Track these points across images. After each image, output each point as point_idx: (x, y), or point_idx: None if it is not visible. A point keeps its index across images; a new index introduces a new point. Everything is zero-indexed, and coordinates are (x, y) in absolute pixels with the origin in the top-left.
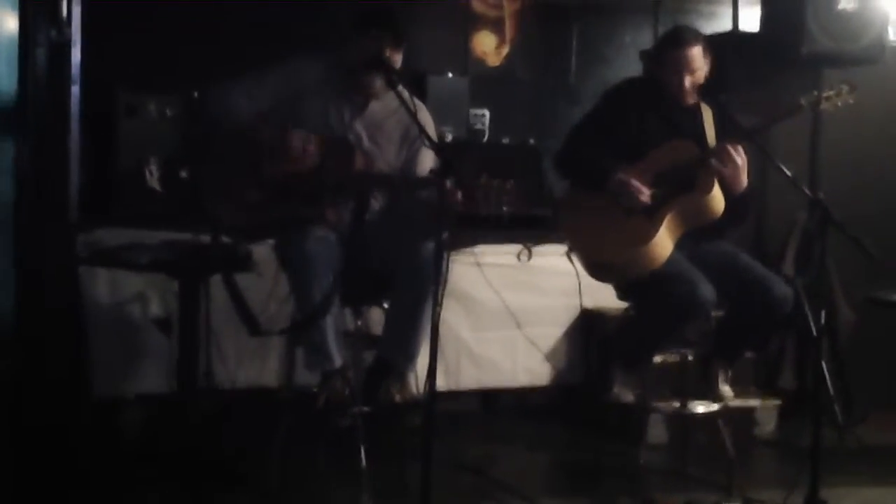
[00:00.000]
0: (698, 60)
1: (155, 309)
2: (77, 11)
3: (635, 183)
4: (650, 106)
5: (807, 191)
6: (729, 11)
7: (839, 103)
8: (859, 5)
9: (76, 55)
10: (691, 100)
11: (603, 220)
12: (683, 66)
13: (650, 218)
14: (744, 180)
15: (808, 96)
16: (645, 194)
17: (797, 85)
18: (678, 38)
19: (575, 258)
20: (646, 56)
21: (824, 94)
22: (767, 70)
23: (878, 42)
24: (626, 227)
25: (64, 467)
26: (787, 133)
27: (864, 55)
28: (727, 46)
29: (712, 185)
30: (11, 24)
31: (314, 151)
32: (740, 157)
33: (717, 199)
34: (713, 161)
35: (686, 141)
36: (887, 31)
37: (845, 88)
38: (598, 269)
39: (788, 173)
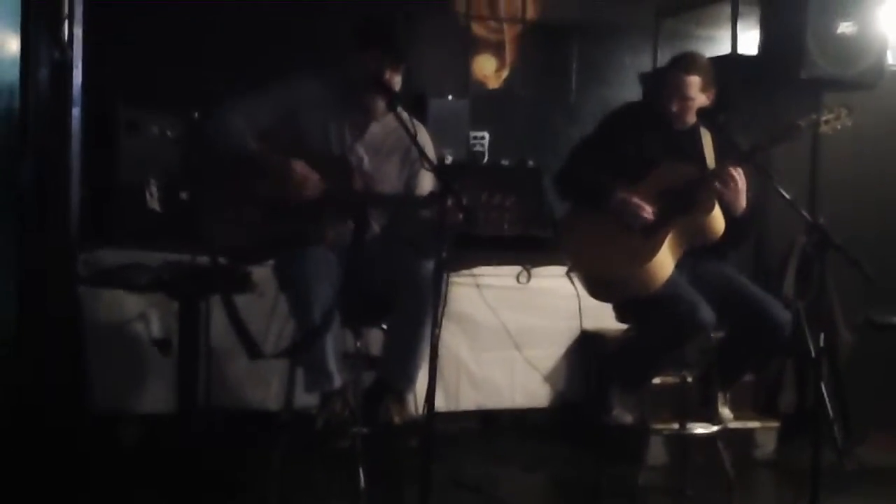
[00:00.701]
0: (692, 89)
1: (155, 329)
2: (78, 32)
3: (637, 201)
4: (650, 128)
5: (806, 214)
6: (728, 35)
7: (838, 126)
8: (858, 29)
9: (77, 76)
10: (684, 124)
11: (603, 239)
12: (675, 91)
13: (650, 238)
14: (742, 202)
15: (806, 119)
16: (647, 211)
17: (796, 108)
18: (677, 65)
19: (575, 278)
20: (645, 79)
21: (823, 118)
22: (767, 93)
23: (877, 66)
24: (626, 247)
25: (61, 483)
26: (787, 156)
27: (864, 79)
28: (726, 70)
29: (713, 206)
30: (13, 45)
31: (314, 181)
32: (740, 179)
33: (718, 220)
34: (716, 180)
35: (685, 163)
36: (886, 55)
37: (844, 112)
38: (598, 289)
39: (788, 196)
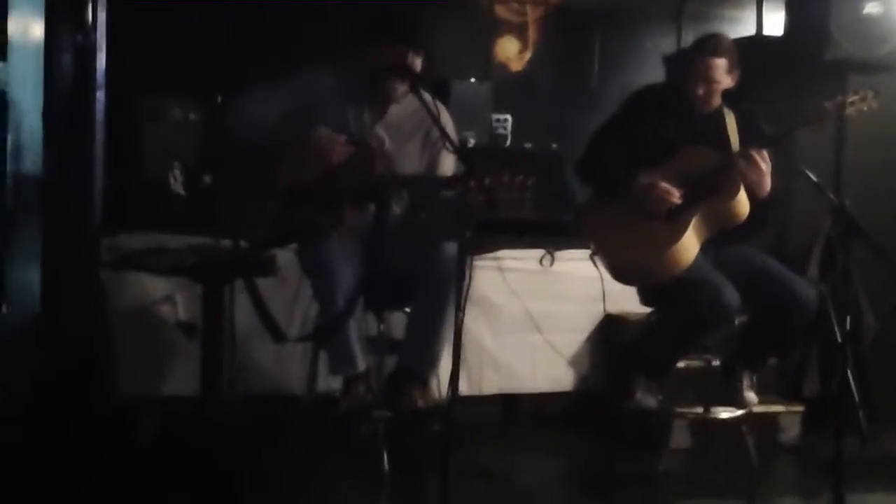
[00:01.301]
0: (718, 72)
1: (182, 313)
2: (102, 17)
3: (664, 185)
4: (672, 111)
5: (832, 197)
6: (753, 16)
7: (864, 108)
8: (884, 10)
9: (101, 60)
10: (708, 107)
11: (627, 224)
12: (700, 74)
13: (675, 222)
14: (767, 186)
15: (832, 102)
16: (674, 195)
17: (821, 91)
18: (702, 47)
19: (598, 262)
20: (668, 61)
21: (849, 100)
22: (791, 76)
23: None
24: (650, 231)
25: (84, 468)
26: (812, 139)
27: (889, 61)
28: (751, 52)
29: (737, 190)
30: (37, 29)
31: (341, 150)
32: (765, 163)
33: (743, 203)
34: (741, 164)
35: (709, 146)
36: None
37: (870, 94)
38: (622, 272)
39: (814, 179)
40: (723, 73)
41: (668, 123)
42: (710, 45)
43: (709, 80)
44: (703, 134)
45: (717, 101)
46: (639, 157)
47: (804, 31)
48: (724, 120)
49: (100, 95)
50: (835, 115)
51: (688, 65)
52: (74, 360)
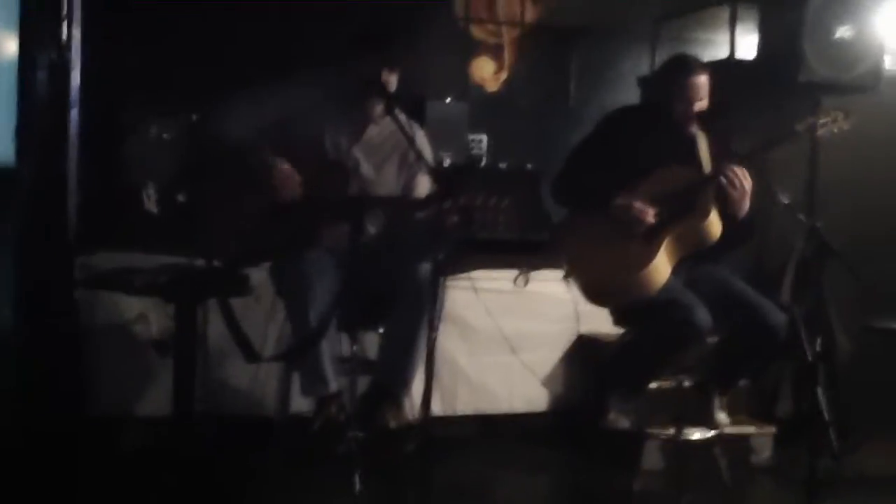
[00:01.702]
0: (705, 89)
1: (154, 331)
2: (77, 34)
3: (639, 205)
4: (646, 132)
5: (803, 218)
6: (726, 39)
7: (835, 130)
8: (856, 34)
9: (76, 78)
10: (688, 127)
11: (600, 244)
12: (691, 94)
13: (648, 243)
14: (747, 204)
15: (803, 123)
16: (649, 214)
17: (794, 112)
18: (687, 66)
19: (572, 283)
20: (644, 82)
21: (820, 121)
22: (764, 97)
23: (874, 70)
24: (623, 252)
25: (61, 487)
26: (785, 160)
27: (861, 83)
28: (724, 74)
29: (710, 210)
30: (11, 46)
31: (297, 181)
32: (747, 180)
33: (715, 225)
34: (723, 181)
35: (683, 166)
36: (883, 60)
37: (840, 115)
38: (595, 294)
39: (785, 201)
40: (705, 92)
41: (644, 144)
42: (693, 63)
43: (700, 98)
44: (677, 154)
45: (694, 121)
46: (613, 178)
47: (777, 54)
48: (697, 141)
49: (74, 113)
50: (806, 136)
51: (673, 85)
52: (48, 378)
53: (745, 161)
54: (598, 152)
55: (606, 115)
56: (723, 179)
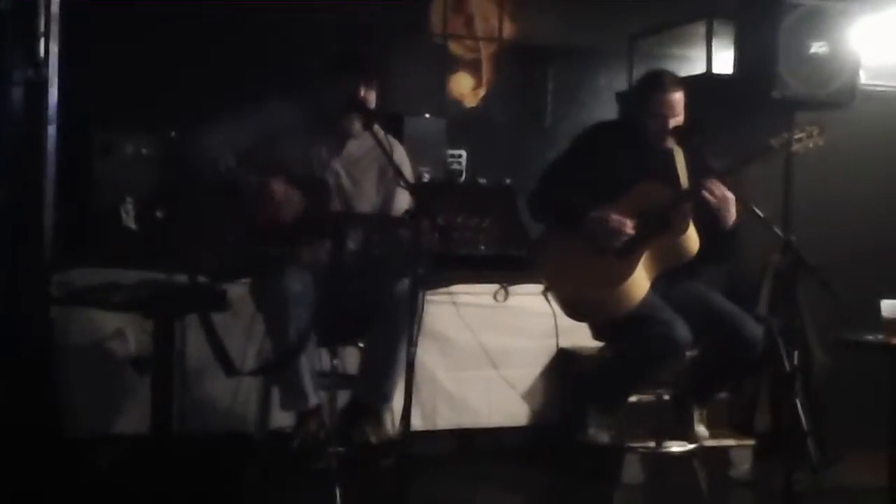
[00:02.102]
0: (680, 105)
1: (132, 348)
2: (54, 50)
3: (616, 217)
4: (623, 148)
5: (779, 233)
6: (702, 55)
7: (810, 145)
8: (831, 50)
9: (53, 95)
10: (663, 143)
11: (579, 260)
12: (667, 110)
13: (626, 258)
14: (733, 214)
15: (778, 138)
16: (626, 226)
17: (769, 128)
18: (661, 82)
19: (551, 298)
20: (621, 98)
21: (795, 136)
22: (740, 113)
23: (849, 86)
24: (602, 267)
25: None
26: (761, 176)
27: (836, 99)
28: (700, 89)
29: (687, 226)
30: None
31: (295, 201)
32: (727, 192)
33: (693, 240)
34: (705, 195)
35: (659, 182)
36: (858, 76)
37: (815, 130)
38: (574, 309)
39: (761, 215)
40: (680, 108)
41: (620, 159)
42: (668, 79)
43: (675, 115)
44: (654, 170)
45: (670, 136)
46: (591, 193)
47: (753, 70)
48: (673, 156)
49: (51, 130)
50: (782, 151)
51: (649, 101)
52: (22, 397)
53: (721, 176)
54: (574, 168)
55: (583, 130)
56: (705, 194)
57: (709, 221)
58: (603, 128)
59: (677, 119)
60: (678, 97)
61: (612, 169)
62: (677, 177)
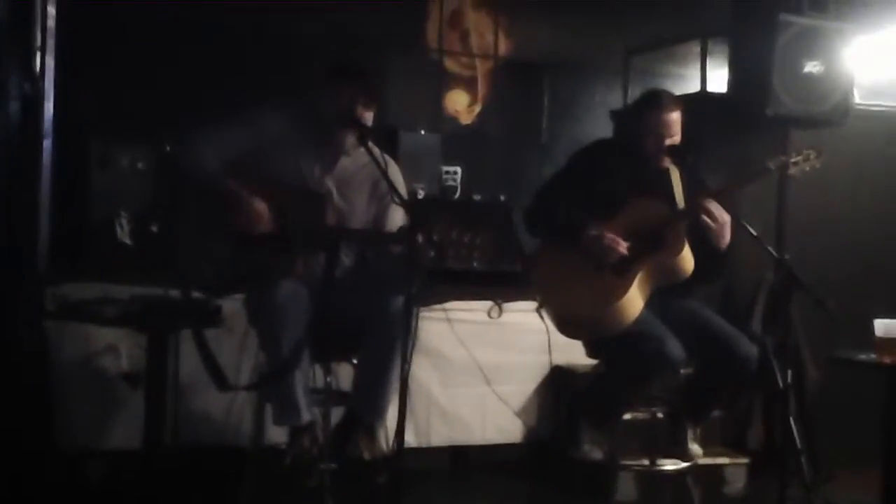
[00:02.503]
0: (677, 125)
1: (125, 363)
2: (50, 64)
3: (612, 237)
4: (620, 166)
5: (772, 251)
6: (697, 73)
7: (807, 168)
8: (825, 69)
9: (49, 109)
10: (660, 162)
11: (574, 277)
12: (664, 129)
13: (621, 276)
14: (728, 236)
15: (776, 160)
16: (622, 245)
17: (764, 146)
18: (659, 102)
19: (545, 314)
20: (616, 116)
21: (792, 159)
22: (734, 131)
23: (842, 105)
24: (596, 285)
25: None
26: (754, 194)
27: (830, 117)
28: (695, 107)
29: (682, 246)
30: None
31: (267, 220)
32: (725, 213)
33: (687, 260)
34: (704, 218)
35: (655, 201)
36: (852, 94)
37: (812, 154)
38: (568, 326)
39: (755, 233)
40: (678, 128)
41: (616, 178)
42: (666, 100)
43: (671, 135)
44: (649, 188)
45: (666, 155)
46: (587, 210)
47: (747, 88)
48: (670, 175)
49: (47, 143)
50: (779, 173)
51: (643, 119)
52: (15, 411)
53: (716, 195)
54: (572, 184)
55: (581, 147)
56: (705, 218)
57: (703, 242)
58: (601, 145)
59: (674, 138)
60: (675, 117)
61: (609, 186)
62: (673, 196)
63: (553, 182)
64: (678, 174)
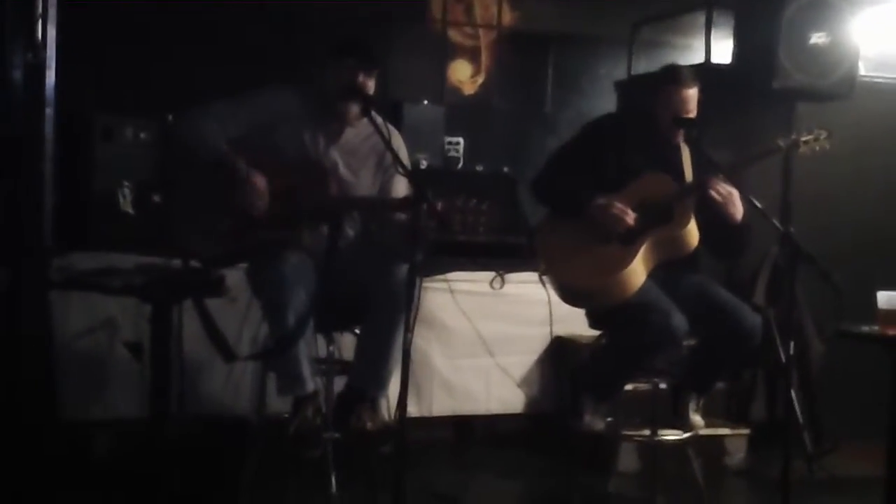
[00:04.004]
0: (694, 101)
1: (127, 333)
2: (52, 33)
3: (620, 206)
4: (629, 140)
5: (777, 224)
6: (702, 44)
7: (816, 148)
8: (831, 40)
9: (51, 78)
10: (679, 137)
11: (579, 246)
12: (681, 105)
13: (626, 246)
14: (740, 209)
15: (786, 139)
16: (629, 215)
17: (769, 118)
18: (679, 77)
19: (547, 282)
20: (621, 86)
21: (803, 139)
22: (740, 103)
23: (849, 77)
24: (601, 255)
25: (31, 491)
26: (759, 168)
27: (836, 89)
28: (700, 78)
29: (689, 220)
30: None
31: (267, 199)
32: (731, 189)
33: (692, 234)
34: (711, 193)
35: (664, 174)
36: (858, 66)
37: (823, 134)
38: (571, 295)
39: (760, 206)
40: (694, 104)
41: (625, 151)
42: (684, 75)
43: (686, 109)
44: (659, 163)
45: (679, 131)
46: (596, 181)
47: (752, 60)
48: (679, 150)
49: (49, 112)
50: (789, 151)
51: (661, 93)
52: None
53: (724, 171)
54: (581, 156)
55: (593, 119)
56: (712, 193)
57: (714, 217)
58: (613, 117)
59: (690, 115)
60: (693, 93)
61: (619, 158)
62: (682, 171)
63: (563, 153)
64: (689, 150)
